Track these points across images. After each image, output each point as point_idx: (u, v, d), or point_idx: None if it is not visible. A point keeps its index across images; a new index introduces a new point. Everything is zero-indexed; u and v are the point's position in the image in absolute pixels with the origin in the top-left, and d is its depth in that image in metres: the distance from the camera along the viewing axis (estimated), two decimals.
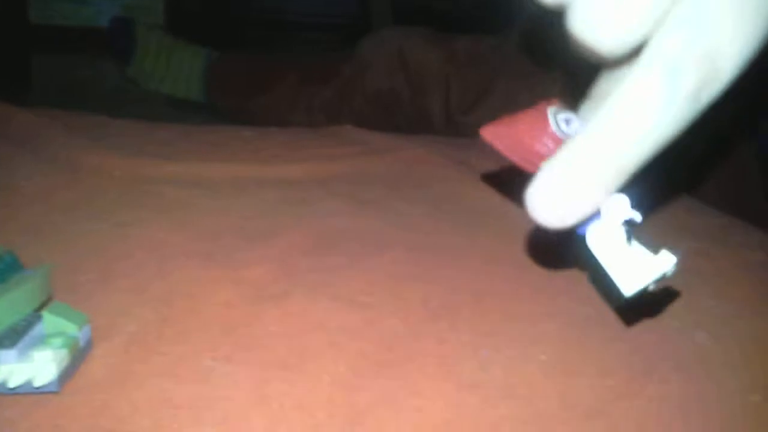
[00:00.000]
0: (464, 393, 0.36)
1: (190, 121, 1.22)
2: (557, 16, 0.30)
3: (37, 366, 0.34)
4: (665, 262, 0.30)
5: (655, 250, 0.31)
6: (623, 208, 0.30)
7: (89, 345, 0.38)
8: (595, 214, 0.30)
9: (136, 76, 1.61)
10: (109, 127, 0.85)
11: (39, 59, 2.06)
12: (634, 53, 0.28)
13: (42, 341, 0.35)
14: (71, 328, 0.37)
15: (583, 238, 0.31)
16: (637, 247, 0.31)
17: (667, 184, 0.60)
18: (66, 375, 0.35)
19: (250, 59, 1.55)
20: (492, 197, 0.65)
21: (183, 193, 0.62)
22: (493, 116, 0.35)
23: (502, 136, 0.33)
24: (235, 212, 0.59)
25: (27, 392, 0.34)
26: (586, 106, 0.35)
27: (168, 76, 1.56)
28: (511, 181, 0.57)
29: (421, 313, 0.43)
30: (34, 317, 0.36)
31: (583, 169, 0.29)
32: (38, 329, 0.36)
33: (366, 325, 0.42)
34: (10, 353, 0.33)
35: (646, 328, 0.44)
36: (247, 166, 0.70)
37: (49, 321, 0.37)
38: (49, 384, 0.34)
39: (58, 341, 0.35)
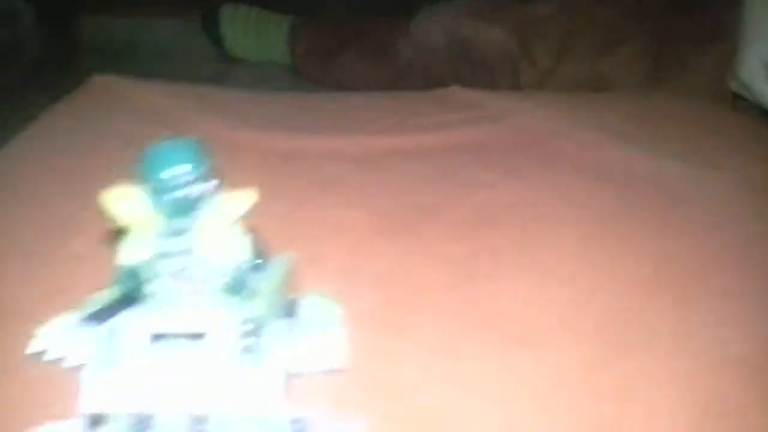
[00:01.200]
0: (717, 370, 0.38)
1: (275, 85, 1.22)
2: None
3: (324, 345, 0.35)
4: None
5: None
6: None
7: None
8: None
9: (230, 51, 1.71)
10: (222, 97, 0.86)
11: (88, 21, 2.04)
12: None
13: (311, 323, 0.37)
14: (333, 309, 0.38)
15: None
16: None
17: None
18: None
19: (329, 24, 1.56)
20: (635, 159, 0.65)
21: (337, 168, 0.63)
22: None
23: None
24: (393, 186, 0.60)
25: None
26: None
27: (257, 44, 1.64)
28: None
29: (635, 288, 0.45)
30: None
31: None
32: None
33: (587, 302, 0.43)
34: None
35: None
36: (382, 137, 0.70)
37: (312, 304, 0.38)
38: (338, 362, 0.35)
39: (329, 323, 0.37)
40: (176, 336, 0.28)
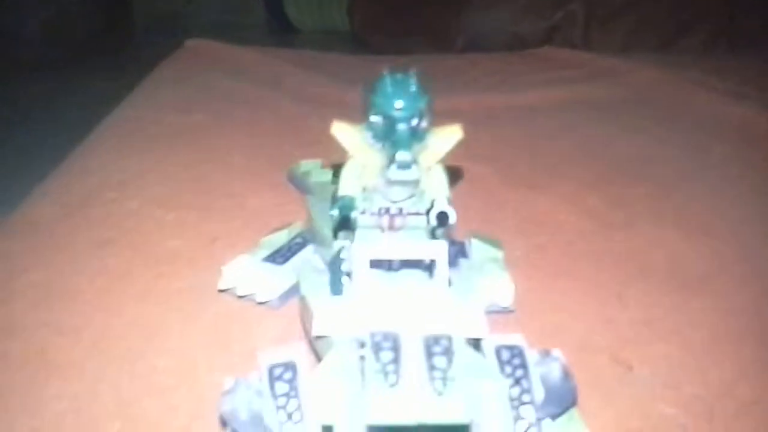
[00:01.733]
0: None
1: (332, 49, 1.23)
2: None
3: (496, 290, 0.37)
4: None
5: None
6: None
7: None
8: None
9: (294, 22, 1.74)
10: (319, 60, 0.87)
11: None
12: None
13: (481, 268, 0.38)
14: (497, 253, 0.39)
15: None
16: None
17: None
18: None
19: None
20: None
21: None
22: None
23: None
24: (515, 142, 0.60)
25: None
26: None
27: (317, 13, 1.66)
28: None
29: None
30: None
31: None
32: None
33: (732, 251, 0.43)
34: None
35: None
36: (493, 95, 0.71)
37: (479, 247, 0.39)
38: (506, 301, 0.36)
39: (496, 265, 0.38)
40: (393, 262, 0.30)
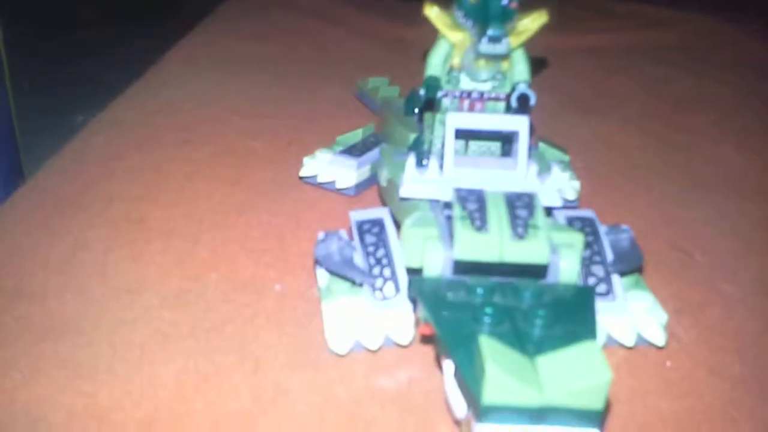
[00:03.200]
0: None
1: None
2: None
3: (562, 184, 0.38)
4: None
5: None
6: None
7: None
8: None
9: None
10: (377, 3, 0.88)
11: None
12: None
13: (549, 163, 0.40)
14: (564, 156, 0.41)
15: None
16: None
17: None
18: None
19: None
20: None
21: None
22: None
23: None
24: (577, 79, 0.62)
25: None
26: None
27: None
28: None
29: None
30: None
31: None
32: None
33: None
34: None
35: None
36: (552, 36, 0.71)
37: (546, 150, 0.41)
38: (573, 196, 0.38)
39: (562, 165, 0.40)
40: (476, 135, 0.32)
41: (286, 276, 0.33)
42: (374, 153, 0.41)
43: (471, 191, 0.28)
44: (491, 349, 0.20)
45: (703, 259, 0.35)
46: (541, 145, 0.41)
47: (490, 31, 0.29)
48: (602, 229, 0.31)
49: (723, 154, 0.47)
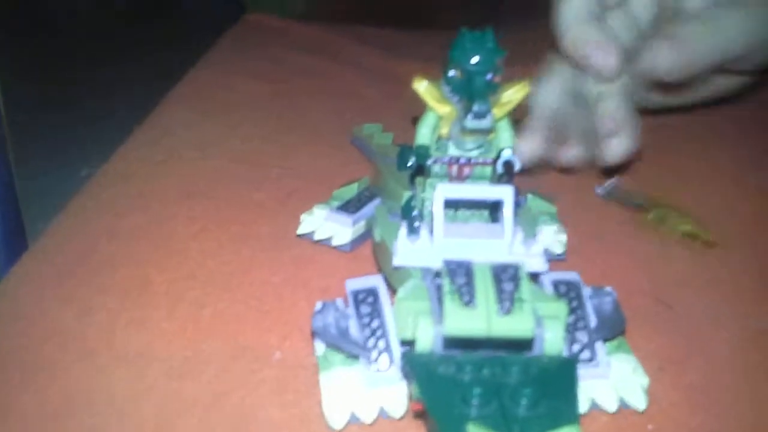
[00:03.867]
0: None
1: None
2: None
3: (549, 238, 0.40)
4: None
5: None
6: None
7: None
8: None
9: None
10: (374, 35, 0.90)
11: None
12: None
13: (536, 219, 0.41)
14: (551, 208, 0.43)
15: None
16: None
17: None
18: None
19: None
20: None
21: None
22: None
23: None
24: None
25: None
26: None
27: None
28: None
29: None
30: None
31: None
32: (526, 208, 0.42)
33: None
34: None
35: None
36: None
37: (534, 202, 0.43)
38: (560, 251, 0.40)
39: (549, 217, 0.41)
40: (464, 203, 0.33)
41: (285, 341, 0.34)
42: (369, 208, 0.42)
43: (460, 263, 0.29)
44: None
45: (685, 313, 0.36)
46: (530, 197, 0.43)
47: (475, 108, 0.31)
48: (586, 291, 0.33)
49: (714, 191, 0.48)
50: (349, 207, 0.42)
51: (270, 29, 0.89)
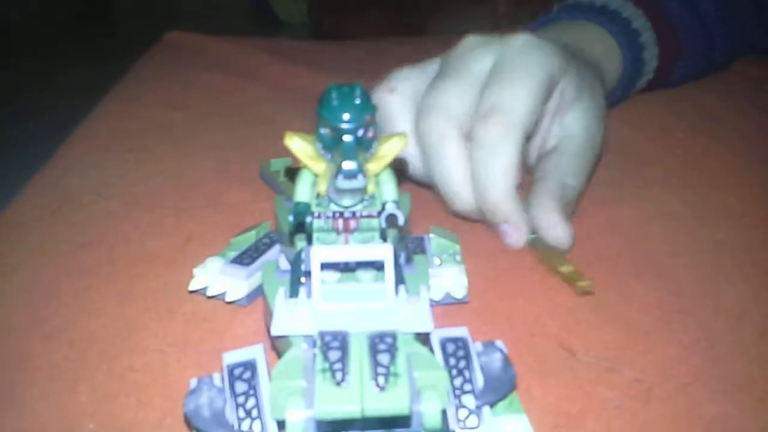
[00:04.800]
0: None
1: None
2: None
3: (450, 281, 0.39)
4: None
5: None
6: None
7: None
8: None
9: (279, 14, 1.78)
10: (297, 49, 0.88)
11: None
12: None
13: (435, 263, 0.40)
14: (454, 247, 0.41)
15: None
16: None
17: None
18: None
19: None
20: None
21: None
22: None
23: None
24: None
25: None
26: None
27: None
28: None
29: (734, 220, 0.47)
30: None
31: None
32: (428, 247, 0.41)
33: (691, 242, 0.45)
34: None
35: None
36: None
37: (436, 241, 0.41)
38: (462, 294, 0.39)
39: (451, 259, 0.40)
40: (344, 264, 0.32)
41: (166, 419, 0.32)
42: (268, 256, 0.40)
43: (335, 335, 0.28)
44: None
45: (585, 358, 0.35)
46: (432, 238, 0.41)
47: (345, 167, 0.29)
48: (475, 348, 0.32)
49: (620, 220, 0.47)
50: (244, 258, 0.40)
51: (190, 48, 0.86)
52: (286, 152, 0.52)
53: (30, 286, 0.41)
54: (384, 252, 0.30)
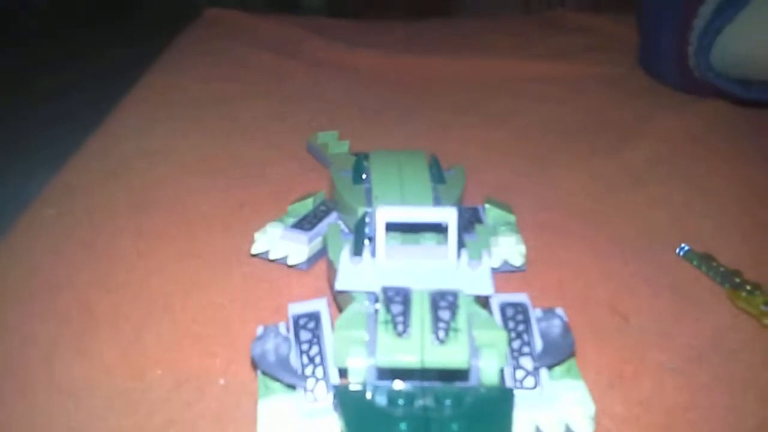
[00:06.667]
0: None
1: None
2: None
3: (508, 250, 0.39)
4: None
5: None
6: None
7: None
8: None
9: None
10: (335, 27, 0.88)
11: None
12: None
13: (495, 231, 0.41)
14: (510, 217, 0.42)
15: None
16: None
17: None
18: None
19: None
20: None
21: (474, 94, 0.66)
22: None
23: None
24: (529, 108, 0.62)
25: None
26: None
27: None
28: None
29: None
30: None
31: None
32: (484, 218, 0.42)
33: (737, 218, 0.46)
34: None
35: None
36: (510, 63, 0.72)
37: (492, 212, 0.42)
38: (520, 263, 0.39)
39: (508, 228, 0.41)
40: (409, 226, 0.33)
41: (231, 366, 0.33)
42: (326, 223, 0.41)
43: (398, 291, 0.29)
44: None
45: (638, 323, 0.36)
46: (487, 207, 0.42)
47: None
48: (535, 314, 0.32)
49: (667, 196, 0.48)
50: (305, 224, 0.41)
51: (228, 24, 0.87)
52: (330, 126, 0.55)
53: (91, 244, 0.43)
54: (448, 214, 0.31)
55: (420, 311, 0.27)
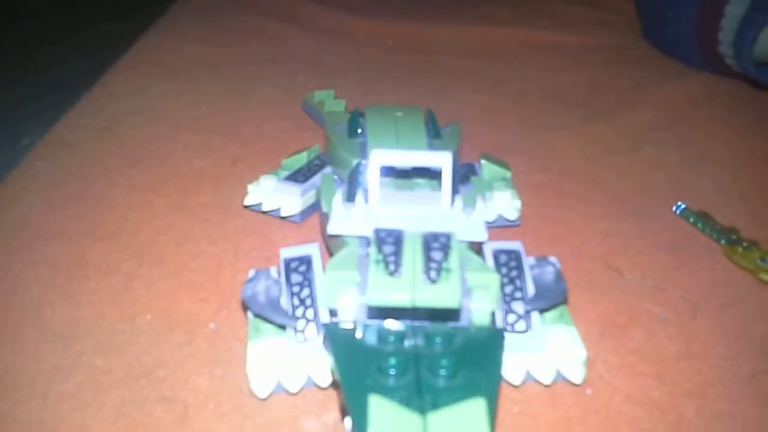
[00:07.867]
0: None
1: None
2: None
3: (503, 204, 0.39)
4: None
5: None
6: None
7: None
8: None
9: None
10: None
11: None
12: None
13: (490, 185, 0.40)
14: (505, 173, 0.42)
15: None
16: None
17: None
18: None
19: None
20: None
21: (471, 61, 0.65)
22: None
23: None
24: (527, 75, 0.62)
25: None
26: None
27: None
28: None
29: None
30: None
31: None
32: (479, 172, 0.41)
33: (734, 180, 0.45)
34: None
35: None
36: (507, 30, 0.72)
37: (488, 167, 0.42)
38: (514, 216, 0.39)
39: (503, 183, 0.40)
40: (409, 172, 0.32)
41: (221, 311, 0.33)
42: (319, 177, 0.41)
43: (390, 232, 0.28)
44: (379, 412, 0.21)
45: (632, 277, 0.36)
46: (483, 162, 0.42)
47: None
48: (528, 261, 0.32)
49: (664, 159, 0.47)
50: (298, 176, 0.41)
51: None
52: (327, 86, 0.54)
53: (83, 196, 0.42)
54: (443, 159, 0.31)
55: (412, 252, 0.27)
